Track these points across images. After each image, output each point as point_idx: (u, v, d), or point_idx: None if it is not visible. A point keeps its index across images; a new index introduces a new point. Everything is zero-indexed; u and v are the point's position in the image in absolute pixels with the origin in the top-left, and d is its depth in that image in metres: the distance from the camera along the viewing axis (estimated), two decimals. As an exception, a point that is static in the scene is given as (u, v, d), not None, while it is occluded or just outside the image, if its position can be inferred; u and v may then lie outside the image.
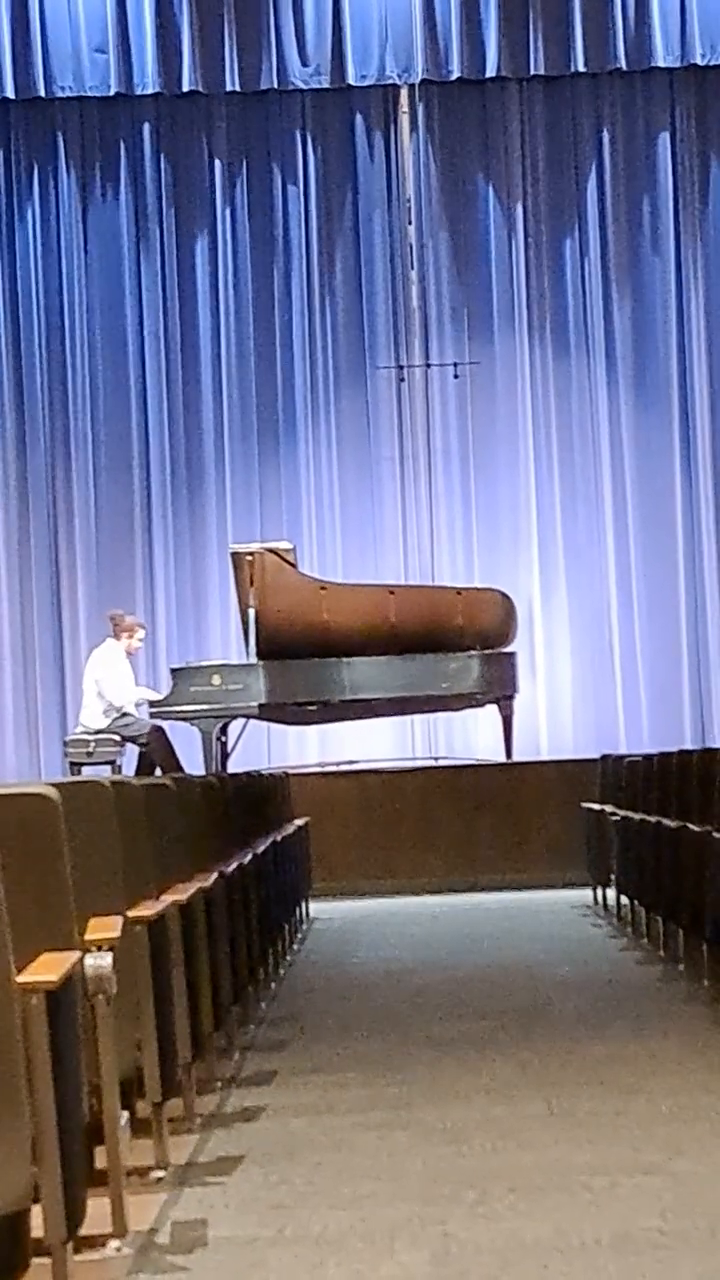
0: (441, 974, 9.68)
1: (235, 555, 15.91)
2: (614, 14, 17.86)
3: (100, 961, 4.36)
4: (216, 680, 15.39)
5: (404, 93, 18.52)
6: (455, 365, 18.42)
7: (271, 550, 15.85)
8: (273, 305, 18.64)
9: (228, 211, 18.67)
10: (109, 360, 18.50)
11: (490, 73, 18.04)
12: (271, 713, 15.75)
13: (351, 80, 18.02)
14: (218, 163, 18.66)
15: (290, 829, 11.55)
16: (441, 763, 16.87)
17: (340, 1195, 4.93)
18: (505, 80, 18.32)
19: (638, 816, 10.51)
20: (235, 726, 15.89)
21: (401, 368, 18.47)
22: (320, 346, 18.63)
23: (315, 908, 13.02)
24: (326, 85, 18.05)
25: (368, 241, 18.69)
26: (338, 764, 16.77)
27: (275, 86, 18.03)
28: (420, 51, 17.87)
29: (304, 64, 17.96)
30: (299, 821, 12.51)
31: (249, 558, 15.64)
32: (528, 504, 18.55)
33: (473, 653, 15.70)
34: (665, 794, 9.93)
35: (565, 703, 18.39)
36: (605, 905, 12.23)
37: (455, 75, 18.01)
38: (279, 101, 18.52)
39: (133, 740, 15.42)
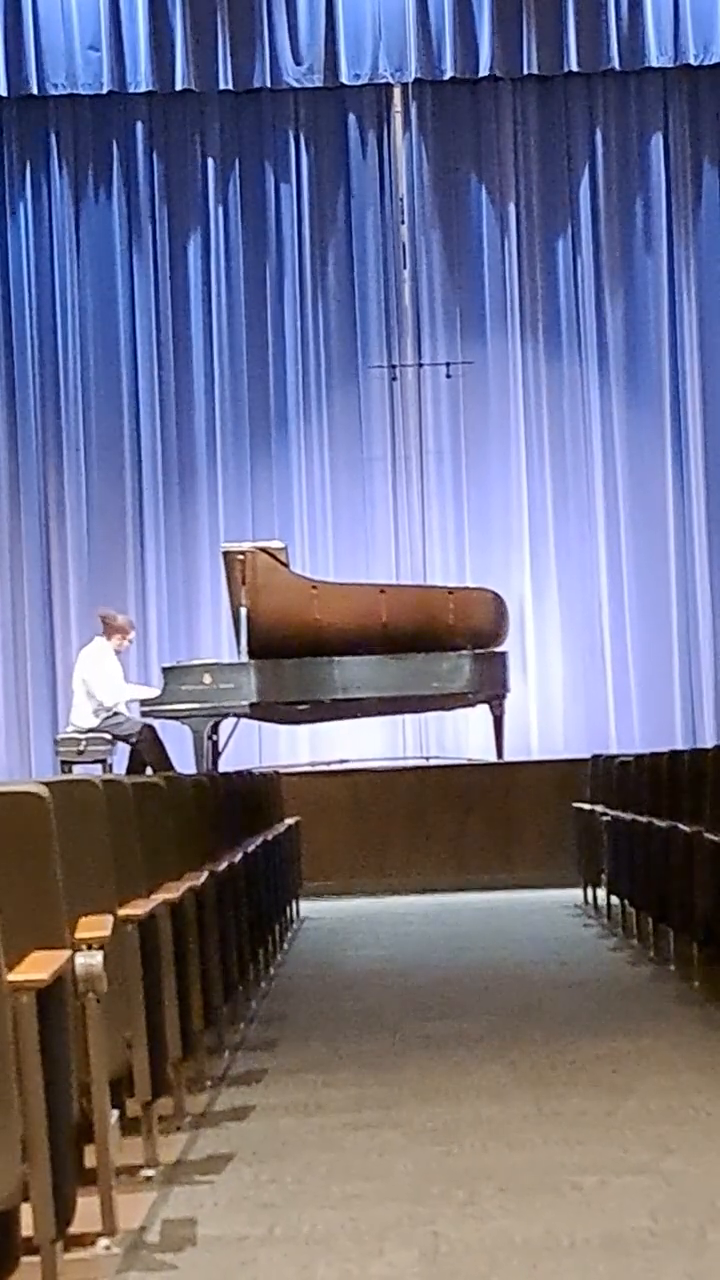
0: (432, 974, 9.68)
1: (227, 554, 15.91)
2: (607, 14, 17.84)
3: (90, 960, 4.36)
4: (208, 679, 15.39)
5: (397, 92, 18.51)
6: (447, 365, 18.42)
7: (263, 549, 15.85)
8: (265, 304, 18.63)
9: (220, 210, 18.66)
10: (101, 358, 18.49)
11: (484, 72, 18.01)
12: (263, 712, 15.75)
13: (345, 79, 18.00)
14: (210, 161, 18.65)
15: (281, 828, 11.55)
16: (433, 762, 16.86)
17: (330, 1194, 4.93)
18: (498, 80, 18.31)
19: (629, 816, 10.52)
20: (226, 725, 15.90)
21: (394, 367, 18.46)
22: (312, 345, 18.62)
23: (306, 907, 13.02)
24: (320, 84, 18.02)
25: (360, 240, 18.68)
26: (329, 763, 16.77)
27: (268, 85, 18.01)
28: (413, 51, 17.85)
29: (297, 63, 17.94)
30: (290, 821, 12.51)
31: (241, 557, 15.64)
32: (519, 503, 18.54)
33: (464, 652, 15.70)
34: (656, 794, 9.93)
35: (556, 702, 18.39)
36: (596, 905, 12.23)
37: (448, 75, 17.99)
38: (272, 100, 18.51)
39: (124, 739, 15.41)
